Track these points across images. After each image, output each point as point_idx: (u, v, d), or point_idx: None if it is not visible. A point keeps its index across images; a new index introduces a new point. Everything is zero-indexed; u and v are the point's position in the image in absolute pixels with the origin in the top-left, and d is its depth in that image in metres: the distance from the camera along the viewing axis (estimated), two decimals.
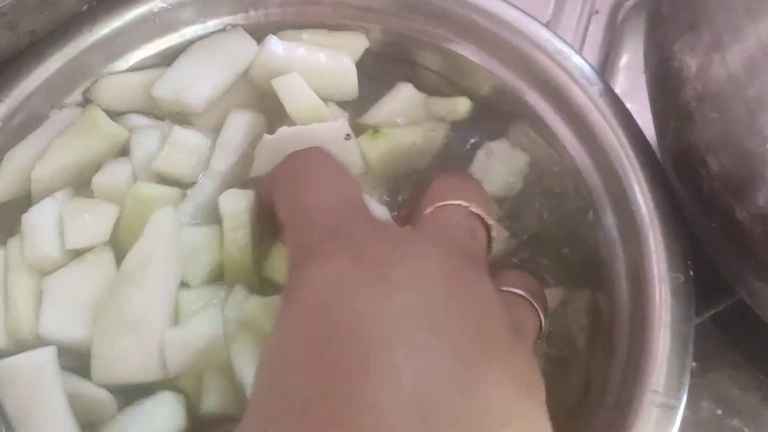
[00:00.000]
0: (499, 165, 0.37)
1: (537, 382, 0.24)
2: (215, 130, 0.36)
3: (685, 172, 0.30)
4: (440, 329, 0.21)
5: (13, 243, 0.33)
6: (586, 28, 0.47)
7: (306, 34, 0.38)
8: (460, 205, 0.28)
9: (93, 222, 0.32)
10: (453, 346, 0.21)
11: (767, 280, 0.29)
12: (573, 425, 0.23)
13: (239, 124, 0.36)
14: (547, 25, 0.47)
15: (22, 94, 0.34)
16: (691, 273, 0.33)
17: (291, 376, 0.21)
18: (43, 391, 0.30)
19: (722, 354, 0.41)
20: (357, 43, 0.38)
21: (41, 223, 0.32)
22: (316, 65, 0.37)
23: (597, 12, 0.47)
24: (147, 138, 0.35)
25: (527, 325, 0.27)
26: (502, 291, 0.28)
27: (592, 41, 0.47)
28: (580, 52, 0.46)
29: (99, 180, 0.33)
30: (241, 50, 0.37)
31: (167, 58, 0.37)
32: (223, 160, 0.35)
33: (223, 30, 0.37)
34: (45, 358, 0.31)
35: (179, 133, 0.34)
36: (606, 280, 0.35)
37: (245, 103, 0.37)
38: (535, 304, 0.28)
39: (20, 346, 0.32)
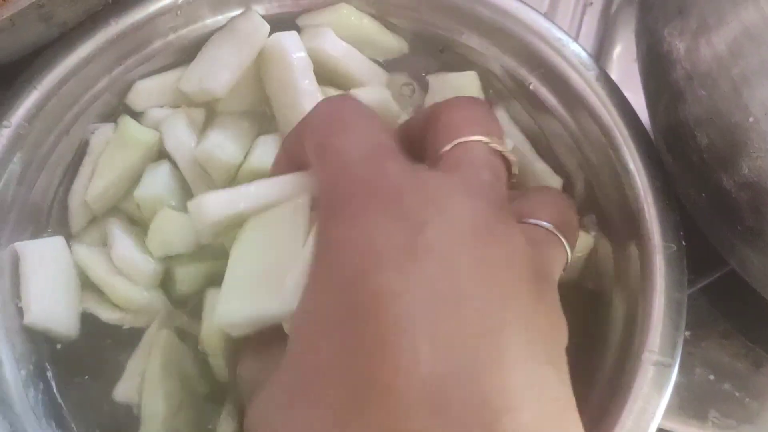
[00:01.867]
0: None
1: (558, 336, 0.24)
2: (240, 112, 0.39)
3: (676, 146, 0.33)
4: (462, 303, 0.21)
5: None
6: (581, 19, 0.49)
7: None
8: (480, 141, 0.26)
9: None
10: (473, 322, 0.21)
11: (755, 247, 0.31)
12: (576, 380, 0.25)
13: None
14: (544, 15, 0.50)
15: (53, 81, 0.36)
16: (684, 243, 0.35)
17: (320, 342, 0.22)
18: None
19: (713, 324, 0.43)
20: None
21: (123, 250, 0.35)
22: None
23: (591, 3, 0.50)
24: (174, 126, 0.37)
25: (553, 264, 0.26)
26: (528, 223, 0.27)
27: (586, 31, 0.49)
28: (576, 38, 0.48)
29: (139, 194, 0.36)
30: (254, 32, 0.38)
31: (193, 54, 0.39)
32: None
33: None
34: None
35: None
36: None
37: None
38: (564, 240, 0.27)
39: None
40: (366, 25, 0.40)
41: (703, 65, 0.30)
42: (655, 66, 0.33)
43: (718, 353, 0.43)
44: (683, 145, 0.32)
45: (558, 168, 0.40)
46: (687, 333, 0.43)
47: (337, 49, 0.39)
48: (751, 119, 0.29)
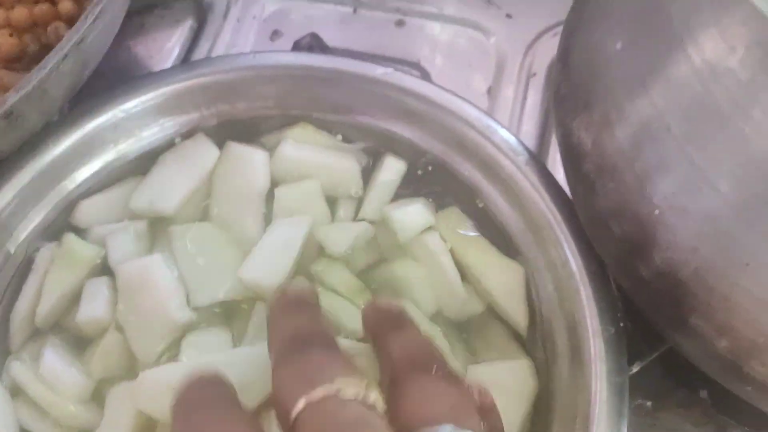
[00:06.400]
0: None
1: None
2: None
3: (597, 235, 0.33)
4: None
5: None
6: (526, 91, 0.50)
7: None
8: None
9: None
10: None
11: (681, 332, 0.31)
12: None
13: None
14: (489, 90, 0.50)
15: None
16: (622, 325, 0.35)
17: None
18: None
19: (673, 392, 0.43)
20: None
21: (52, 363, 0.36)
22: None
23: (534, 74, 0.50)
24: (120, 240, 0.38)
25: None
26: None
27: (532, 103, 0.49)
28: (520, 114, 0.49)
29: (80, 318, 0.36)
30: (204, 156, 0.41)
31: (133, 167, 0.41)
32: None
33: (182, 137, 0.41)
34: None
35: None
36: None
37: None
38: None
39: None
40: (323, 139, 0.42)
41: (609, 159, 0.30)
42: (570, 157, 0.33)
43: (681, 423, 0.42)
44: (602, 235, 0.32)
45: None
46: (648, 403, 0.43)
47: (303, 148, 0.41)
48: (656, 212, 0.29)
